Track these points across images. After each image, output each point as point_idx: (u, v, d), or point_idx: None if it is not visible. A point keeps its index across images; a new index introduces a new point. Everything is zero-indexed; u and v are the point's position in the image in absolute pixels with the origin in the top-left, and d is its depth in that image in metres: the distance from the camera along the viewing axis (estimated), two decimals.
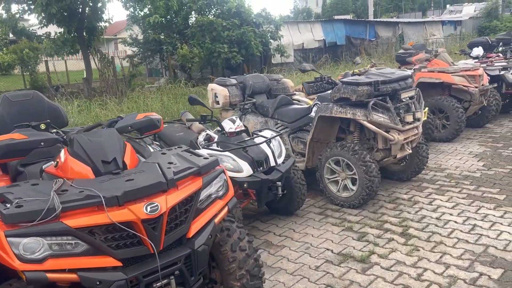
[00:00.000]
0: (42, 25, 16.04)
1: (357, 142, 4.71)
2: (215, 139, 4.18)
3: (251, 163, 3.93)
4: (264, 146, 4.12)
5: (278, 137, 4.37)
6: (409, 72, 4.80)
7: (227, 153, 3.92)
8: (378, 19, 30.41)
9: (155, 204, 2.09)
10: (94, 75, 16.47)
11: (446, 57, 7.29)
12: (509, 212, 4.18)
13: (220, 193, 2.56)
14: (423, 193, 4.85)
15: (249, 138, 4.16)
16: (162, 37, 19.03)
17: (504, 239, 3.67)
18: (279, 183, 4.01)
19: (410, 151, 4.71)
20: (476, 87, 6.84)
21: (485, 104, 7.18)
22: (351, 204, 4.57)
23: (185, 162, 2.50)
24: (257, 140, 4.20)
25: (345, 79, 4.50)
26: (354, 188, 4.53)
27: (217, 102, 5.70)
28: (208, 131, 4.36)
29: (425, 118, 5.99)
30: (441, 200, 4.61)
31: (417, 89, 4.84)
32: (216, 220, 2.45)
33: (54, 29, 16.54)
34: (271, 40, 18.20)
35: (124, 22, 21.52)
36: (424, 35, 27.23)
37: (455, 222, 4.07)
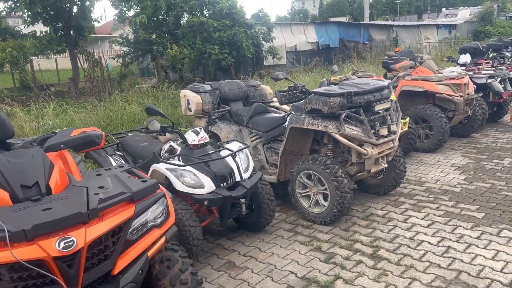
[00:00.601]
0: (28, 23, 15.77)
1: (330, 156, 4.49)
2: (178, 152, 3.95)
3: (214, 178, 3.70)
4: (229, 160, 3.90)
5: (246, 149, 4.15)
6: (385, 82, 4.59)
7: (188, 167, 3.69)
8: (372, 22, 30.24)
9: (70, 239, 1.85)
10: (82, 74, 16.20)
11: (431, 65, 7.09)
12: (486, 233, 3.97)
13: (158, 221, 2.33)
14: (399, 209, 4.63)
15: (213, 151, 3.93)
16: (154, 37, 18.77)
17: (478, 264, 3.46)
18: (243, 200, 3.78)
19: (385, 166, 4.50)
20: (461, 96, 6.65)
21: (470, 114, 6.99)
22: (323, 221, 4.35)
23: (119, 186, 2.27)
24: (223, 153, 3.98)
25: (316, 90, 4.28)
26: (326, 204, 4.32)
27: (190, 109, 5.47)
28: (171, 143, 4.12)
29: (406, 129, 5.81)
30: (417, 218, 4.40)
31: (394, 100, 4.63)
32: (150, 252, 2.22)
33: (41, 28, 16.29)
34: (263, 42, 18.00)
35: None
36: (418, 38, 27.12)
37: (429, 243, 3.86)
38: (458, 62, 8.63)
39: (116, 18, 15.88)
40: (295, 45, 20.63)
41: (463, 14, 37.70)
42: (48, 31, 15.36)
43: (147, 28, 18.85)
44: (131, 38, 20.00)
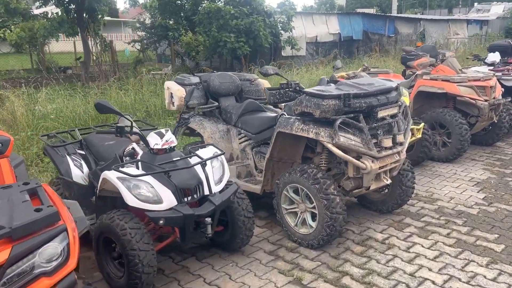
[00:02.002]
0: (40, 4, 15.39)
1: (323, 167, 3.83)
2: (139, 156, 3.35)
3: (176, 192, 3.09)
4: (198, 169, 3.28)
5: (222, 157, 3.52)
6: (393, 83, 3.87)
7: (146, 177, 3.08)
8: (398, 15, 29.01)
9: None
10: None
11: (453, 63, 6.29)
12: (505, 274, 3.27)
13: (51, 266, 1.73)
14: (402, 234, 3.95)
15: (181, 157, 3.30)
16: (171, 22, 18.22)
17: None
18: (208, 220, 3.16)
19: (388, 182, 3.81)
20: (486, 100, 5.86)
21: (496, 121, 6.18)
22: (309, 244, 3.70)
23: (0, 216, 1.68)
24: (194, 160, 3.36)
25: (308, 89, 3.61)
26: (314, 225, 3.67)
27: (173, 104, 4.86)
28: (134, 145, 3.52)
29: (419, 136, 5.08)
30: (422, 246, 3.71)
31: (404, 105, 3.92)
32: None
33: (53, 10, 15.91)
34: (282, 31, 17.29)
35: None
36: (447, 34, 25.85)
37: (433, 282, 3.18)
38: (486, 61, 7.77)
39: (128, 1, 15.35)
40: (316, 36, 19.79)
41: (496, 9, 35.97)
42: (60, 13, 14.96)
43: (165, 13, 18.33)
44: (148, 23, 19.55)
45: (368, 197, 4.44)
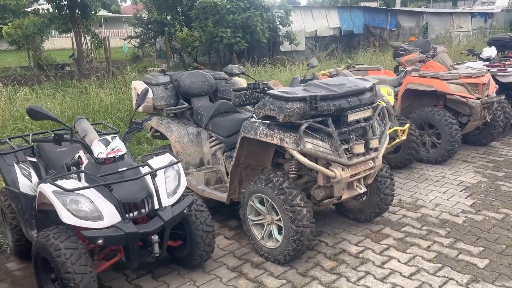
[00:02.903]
0: (32, 0, 15.12)
1: (294, 174, 3.53)
2: (83, 166, 3.06)
3: (119, 207, 2.80)
4: (147, 180, 2.99)
5: (178, 165, 3.22)
6: (368, 83, 3.55)
7: (86, 191, 2.79)
8: (401, 8, 28.50)
9: None
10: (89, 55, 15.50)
11: (444, 59, 5.94)
12: None
13: None
14: (378, 246, 3.64)
15: (129, 167, 3.01)
16: (168, 18, 17.91)
17: None
18: (155, 238, 2.87)
19: (362, 191, 3.50)
20: (478, 98, 5.53)
21: (489, 120, 5.84)
22: (276, 259, 3.41)
23: None
24: (144, 170, 3.07)
25: (272, 91, 3.29)
26: (280, 238, 3.37)
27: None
28: (80, 153, 3.23)
29: (404, 138, 4.77)
30: (399, 261, 3.40)
31: (381, 106, 3.60)
32: None
33: (44, 6, 15.65)
34: (280, 26, 16.96)
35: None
36: (450, 27, 25.33)
37: None
38: (481, 56, 7.41)
39: None
40: (315, 30, 19.44)
41: (502, 2, 35.27)
42: (51, 9, 14.71)
43: (161, 8, 18.04)
44: (145, 18, 19.28)
45: (345, 205, 4.14)
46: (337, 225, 4.04)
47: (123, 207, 2.80)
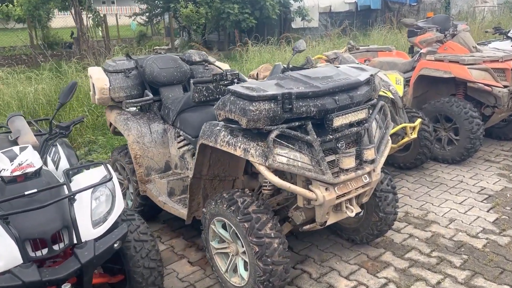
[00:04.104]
0: None
1: (268, 190, 2.77)
2: None
3: (20, 245, 2.09)
4: (64, 206, 2.27)
5: (114, 183, 2.49)
6: (365, 73, 2.73)
7: None
8: None
9: None
10: (92, 33, 14.80)
11: (466, 39, 5.04)
12: None
13: None
14: (375, 281, 2.89)
15: (44, 188, 2.28)
16: None
17: None
18: (67, 286, 2.16)
19: (354, 213, 2.72)
20: (506, 87, 4.65)
21: None
22: None
23: None
24: (56, 193, 2.35)
25: (233, 86, 2.50)
26: (246, 276, 2.65)
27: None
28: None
29: (414, 136, 3.96)
30: None
31: (380, 104, 2.81)
32: None
33: None
34: (292, 1, 16.00)
35: None
36: (474, 1, 23.81)
37: None
38: (510, 35, 6.43)
39: None
40: (330, 6, 18.39)
41: None
42: None
43: None
44: None
45: (337, 222, 3.37)
46: (326, 248, 3.29)
47: (26, 244, 2.10)
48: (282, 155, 2.40)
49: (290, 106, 2.35)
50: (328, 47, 11.36)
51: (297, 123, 2.43)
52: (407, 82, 5.12)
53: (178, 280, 3.01)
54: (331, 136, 2.49)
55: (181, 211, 3.22)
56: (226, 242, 2.79)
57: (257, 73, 5.06)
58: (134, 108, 4.08)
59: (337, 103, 2.46)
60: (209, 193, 3.12)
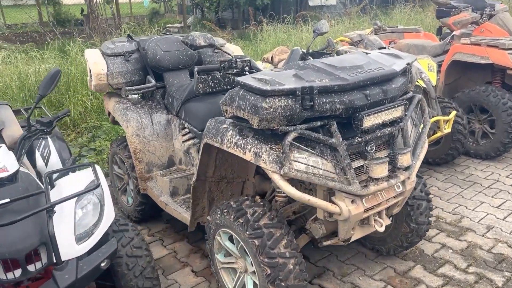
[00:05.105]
0: None
1: (283, 198, 2.39)
2: None
3: None
4: (40, 220, 1.92)
5: (103, 190, 2.12)
6: (400, 61, 2.29)
7: None
8: None
9: None
10: (101, 10, 14.38)
11: (506, 20, 4.53)
12: None
13: None
14: None
15: (15, 197, 1.93)
16: None
17: None
18: None
19: (383, 227, 2.32)
20: None
21: None
22: None
23: None
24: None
25: (242, 78, 2.08)
26: None
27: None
28: None
29: (448, 130, 3.52)
30: None
31: (419, 98, 2.38)
32: None
33: None
34: None
35: None
36: None
37: None
38: None
39: None
40: None
41: None
42: None
43: None
44: None
45: None
46: (347, 258, 2.92)
47: None
48: (300, 162, 2.00)
49: (312, 103, 1.94)
50: (348, 27, 10.78)
51: (319, 123, 2.02)
52: (438, 67, 4.65)
53: None
54: (360, 139, 2.08)
55: (184, 215, 2.86)
56: (233, 257, 2.43)
57: (272, 56, 4.62)
58: (136, 96, 3.72)
59: (368, 98, 2.04)
60: (215, 197, 2.75)
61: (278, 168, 1.97)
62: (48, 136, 2.86)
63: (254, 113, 1.93)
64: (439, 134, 3.64)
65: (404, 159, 2.18)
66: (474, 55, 4.26)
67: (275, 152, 2.01)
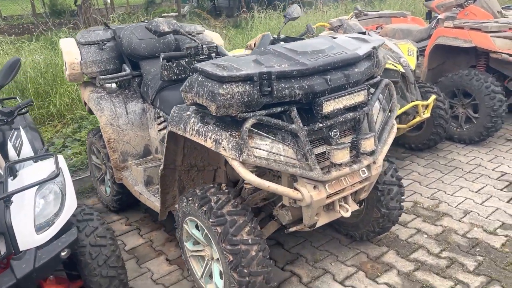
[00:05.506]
0: None
1: (250, 185, 2.37)
2: None
3: None
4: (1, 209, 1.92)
5: (64, 180, 2.12)
6: (366, 45, 2.26)
7: None
8: None
9: None
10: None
11: (490, 3, 4.47)
12: None
13: None
14: (368, 284, 2.50)
15: None
16: None
17: None
18: None
19: (349, 213, 2.31)
20: None
21: None
22: None
23: None
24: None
25: (200, 64, 2.05)
26: (221, 285, 2.29)
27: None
28: None
29: (427, 115, 3.50)
30: None
31: (386, 82, 2.35)
32: None
33: None
34: None
35: None
36: None
37: None
38: None
39: None
40: None
41: None
42: None
43: None
44: None
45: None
46: (321, 244, 2.92)
47: None
48: (261, 148, 1.98)
49: (270, 88, 1.92)
50: (340, 12, 10.69)
51: (279, 109, 2.00)
52: (422, 52, 4.61)
53: (152, 282, 2.67)
54: (321, 124, 2.06)
55: (157, 204, 2.85)
56: (201, 245, 2.43)
57: (254, 43, 4.58)
58: (114, 85, 3.71)
59: (329, 83, 2.01)
60: (185, 185, 2.74)
61: (237, 155, 1.96)
62: (20, 127, 2.86)
63: (212, 100, 1.91)
64: (418, 119, 3.61)
65: (367, 144, 2.16)
66: (457, 38, 4.21)
67: (234, 139, 1.99)
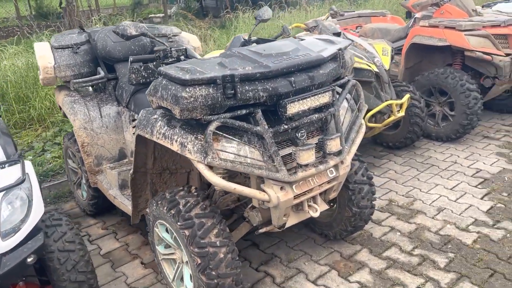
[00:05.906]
0: None
1: (219, 190, 2.39)
2: None
3: None
4: None
5: (31, 186, 2.11)
6: (332, 46, 2.28)
7: None
8: None
9: None
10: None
11: (465, 1, 4.52)
12: None
13: None
14: (345, 286, 2.53)
15: None
16: None
17: None
18: None
19: (318, 213, 2.33)
20: (508, 55, 4.16)
21: None
22: None
23: None
24: None
25: (164, 68, 2.05)
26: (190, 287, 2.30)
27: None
28: None
29: (402, 115, 3.54)
30: None
31: (353, 83, 2.38)
32: None
33: None
34: None
35: None
36: None
37: None
38: None
39: None
40: None
41: None
42: None
43: None
44: None
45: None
46: (296, 244, 2.93)
47: None
48: (226, 151, 2.00)
49: (233, 91, 1.93)
50: (324, 12, 10.71)
51: (244, 111, 2.01)
52: (399, 51, 4.65)
53: (126, 286, 2.67)
54: (286, 126, 2.07)
55: (128, 208, 2.85)
56: (172, 248, 2.43)
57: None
58: (91, 89, 3.69)
59: (293, 85, 2.03)
60: (158, 189, 2.74)
61: (202, 157, 1.97)
62: None
63: (175, 103, 1.92)
64: (392, 118, 3.64)
65: (333, 144, 2.18)
66: (432, 37, 4.26)
67: (200, 142, 2.00)
